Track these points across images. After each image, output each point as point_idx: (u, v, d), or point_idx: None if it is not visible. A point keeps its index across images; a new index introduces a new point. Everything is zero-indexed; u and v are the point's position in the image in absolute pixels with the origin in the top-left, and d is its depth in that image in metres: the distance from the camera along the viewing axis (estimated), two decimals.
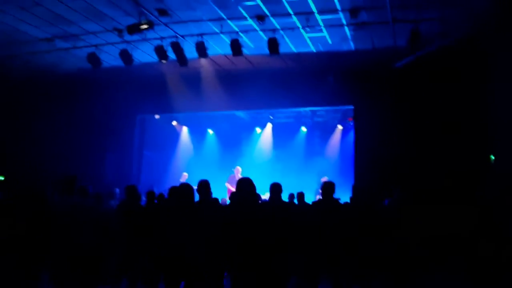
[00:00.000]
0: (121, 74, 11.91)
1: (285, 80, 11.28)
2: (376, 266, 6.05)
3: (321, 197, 6.49)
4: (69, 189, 5.15)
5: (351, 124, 14.49)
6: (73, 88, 12.22)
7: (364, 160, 10.63)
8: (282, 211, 5.73)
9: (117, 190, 9.00)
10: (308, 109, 13.41)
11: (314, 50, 10.23)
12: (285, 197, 7.13)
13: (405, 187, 6.78)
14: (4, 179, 11.69)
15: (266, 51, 9.48)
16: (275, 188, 5.93)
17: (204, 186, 5.45)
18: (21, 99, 12.06)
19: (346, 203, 7.18)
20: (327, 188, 6.05)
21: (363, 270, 6.12)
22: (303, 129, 15.44)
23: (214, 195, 5.72)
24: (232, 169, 13.89)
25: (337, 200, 6.21)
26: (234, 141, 16.20)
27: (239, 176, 13.81)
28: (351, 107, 11.28)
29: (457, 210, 6.45)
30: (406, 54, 9.92)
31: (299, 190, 8.83)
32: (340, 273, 5.93)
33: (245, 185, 4.53)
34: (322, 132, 15.20)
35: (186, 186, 5.23)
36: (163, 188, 14.39)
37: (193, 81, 11.84)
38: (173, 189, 5.87)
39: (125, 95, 12.37)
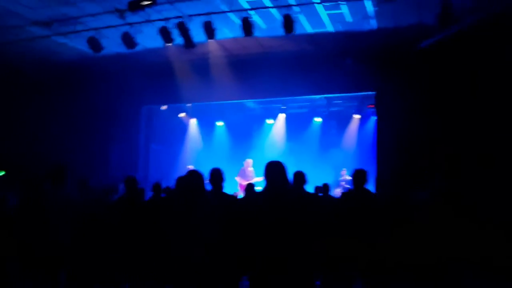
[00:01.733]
0: (125, 62, 11.17)
1: (299, 65, 10.47)
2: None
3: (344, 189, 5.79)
4: (59, 180, 4.46)
5: (370, 112, 13.70)
6: (74, 77, 11.51)
7: (387, 150, 9.80)
8: (312, 205, 4.94)
9: (121, 185, 8.32)
10: (325, 96, 12.53)
11: (333, 30, 9.39)
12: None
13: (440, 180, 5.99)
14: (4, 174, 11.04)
15: (279, 32, 8.68)
16: (299, 178, 5.19)
17: (218, 175, 4.74)
18: (19, 89, 11.38)
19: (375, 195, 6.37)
20: (359, 177, 5.22)
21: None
22: (317, 119, 14.62)
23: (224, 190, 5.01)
24: (242, 162, 13.15)
25: (369, 191, 5.41)
26: (245, 134, 15.46)
27: (250, 169, 13.06)
28: (372, 93, 10.42)
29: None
30: (434, 33, 9.07)
31: (314, 184, 8.14)
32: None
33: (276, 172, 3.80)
34: (338, 122, 14.35)
35: (195, 174, 4.48)
36: (171, 183, 13.81)
37: (202, 68, 11.08)
38: (181, 179, 5.11)
39: (129, 85, 11.62)
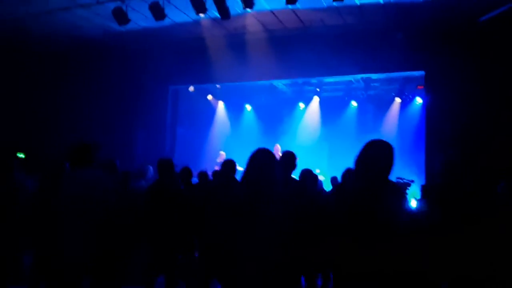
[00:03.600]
0: (152, 38, 10.48)
1: (341, 41, 9.58)
2: None
3: None
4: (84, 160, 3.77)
5: (412, 96, 12.70)
6: (97, 55, 10.84)
7: (438, 137, 8.85)
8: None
9: (150, 167, 7.51)
10: (363, 77, 11.57)
11: (381, 1, 8.42)
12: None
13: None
14: (25, 157, 10.48)
15: (321, 3, 7.80)
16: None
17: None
18: (38, 68, 10.77)
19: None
20: None
21: None
22: (354, 103, 13.67)
23: None
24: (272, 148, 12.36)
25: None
26: (275, 118, 14.63)
27: (279, 155, 12.22)
28: (420, 73, 9.45)
29: None
30: (496, 6, 8.09)
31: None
32: None
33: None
34: (376, 106, 13.33)
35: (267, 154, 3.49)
36: (200, 169, 13.10)
37: (234, 45, 10.26)
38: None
39: (156, 63, 10.92)
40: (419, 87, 10.51)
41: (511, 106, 8.17)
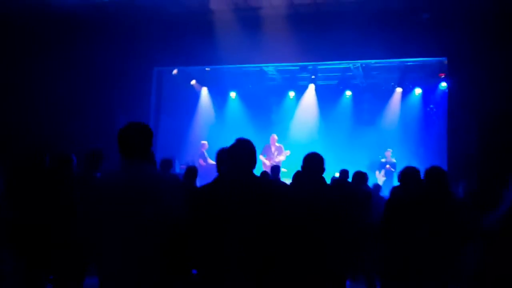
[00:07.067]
0: (135, 11, 9.09)
1: (357, 22, 8.52)
2: None
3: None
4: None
5: (413, 86, 11.99)
6: (72, 29, 9.28)
7: (461, 131, 8.08)
8: None
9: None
10: (362, 64, 10.61)
11: None
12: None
13: None
14: None
15: None
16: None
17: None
18: (5, 43, 9.11)
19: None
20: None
21: None
22: (348, 93, 12.80)
23: None
24: (269, 138, 11.31)
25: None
26: (263, 107, 13.58)
27: (277, 145, 11.23)
28: (442, 58, 8.64)
29: None
30: None
31: (344, 167, 6.66)
32: None
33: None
34: (374, 96, 12.48)
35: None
36: (184, 160, 11.86)
37: (236, 23, 9.00)
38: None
39: (140, 41, 9.52)
40: (441, 74, 9.71)
41: None
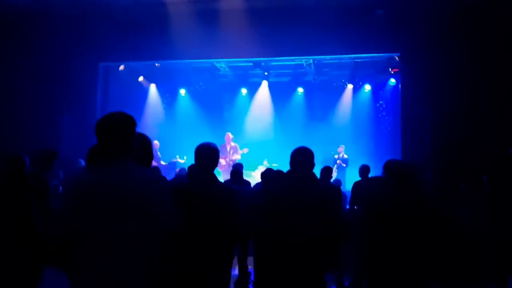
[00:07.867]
0: (80, 1, 8.50)
1: (314, 18, 8.43)
2: None
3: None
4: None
5: (363, 82, 12.16)
6: (12, 21, 8.54)
7: (414, 128, 8.21)
8: None
9: (82, 161, 6.12)
10: (319, 58, 10.56)
11: None
12: None
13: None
14: None
15: None
16: None
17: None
18: None
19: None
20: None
21: None
22: (300, 90, 12.77)
23: None
24: (223, 137, 11.03)
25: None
26: (215, 105, 13.25)
27: (232, 144, 10.97)
28: (392, 54, 8.75)
29: None
30: None
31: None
32: None
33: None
34: (326, 92, 12.53)
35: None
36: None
37: (190, 16, 8.63)
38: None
39: (84, 33, 8.93)
40: (394, 70, 9.84)
41: (491, 92, 7.77)
